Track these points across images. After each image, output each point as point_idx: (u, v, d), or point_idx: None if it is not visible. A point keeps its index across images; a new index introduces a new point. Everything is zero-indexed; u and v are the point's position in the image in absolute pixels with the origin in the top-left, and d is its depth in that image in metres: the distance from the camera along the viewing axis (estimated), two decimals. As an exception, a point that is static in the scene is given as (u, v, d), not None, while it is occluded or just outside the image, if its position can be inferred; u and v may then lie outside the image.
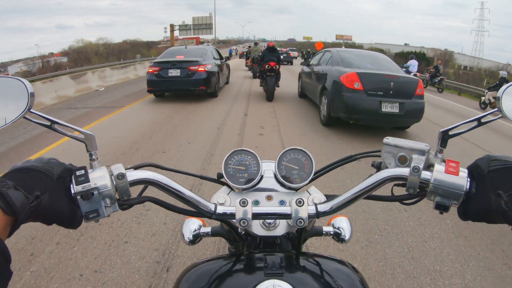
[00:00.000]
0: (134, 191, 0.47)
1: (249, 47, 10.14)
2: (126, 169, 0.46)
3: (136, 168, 0.51)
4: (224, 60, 8.54)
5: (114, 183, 0.44)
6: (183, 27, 35.83)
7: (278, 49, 7.96)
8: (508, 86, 0.46)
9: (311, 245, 1.96)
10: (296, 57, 27.53)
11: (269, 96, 6.67)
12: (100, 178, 0.43)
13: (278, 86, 6.99)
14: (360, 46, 48.87)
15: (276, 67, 6.42)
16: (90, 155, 0.46)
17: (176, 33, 35.25)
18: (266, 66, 6.41)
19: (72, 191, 0.41)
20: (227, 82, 9.31)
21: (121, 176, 0.44)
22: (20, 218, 0.35)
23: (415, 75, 10.64)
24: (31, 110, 0.43)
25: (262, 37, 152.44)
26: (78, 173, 0.42)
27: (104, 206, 0.43)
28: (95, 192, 0.42)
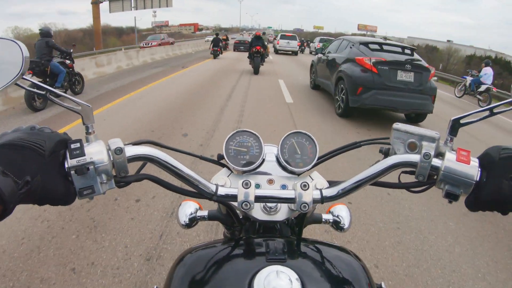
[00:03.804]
0: (132, 169, 0.48)
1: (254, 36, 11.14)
2: (124, 144, 0.47)
3: (134, 144, 0.51)
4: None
5: (112, 158, 0.45)
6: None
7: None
8: None
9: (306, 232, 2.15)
10: (300, 50, 25.03)
11: (256, 70, 10.34)
12: (96, 152, 0.43)
13: (262, 65, 10.68)
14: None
15: (261, 50, 9.94)
16: (87, 128, 0.46)
17: (106, 5, 25.65)
18: (254, 49, 9.99)
19: (66, 165, 0.42)
20: None
21: (119, 151, 0.45)
22: (10, 206, 0.35)
23: (488, 89, 9.31)
24: (25, 77, 0.43)
25: (268, 25, 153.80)
26: (73, 146, 0.42)
27: (99, 182, 0.43)
28: (91, 167, 0.42)
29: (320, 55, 7.57)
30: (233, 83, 8.62)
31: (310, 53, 27.31)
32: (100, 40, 26.67)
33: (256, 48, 9.95)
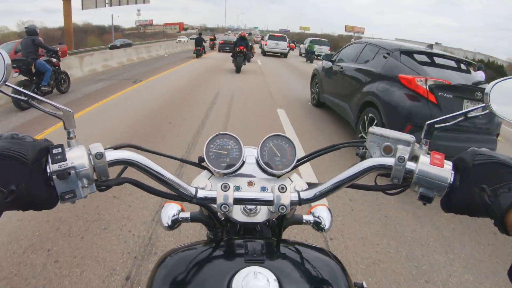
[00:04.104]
0: (113, 173, 0.49)
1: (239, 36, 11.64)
2: (105, 149, 0.48)
3: (115, 148, 0.53)
4: None
5: (92, 163, 0.45)
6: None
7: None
8: (497, 82, 0.51)
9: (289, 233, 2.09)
10: (288, 51, 22.41)
11: (237, 69, 10.97)
12: (77, 157, 0.44)
13: (245, 64, 11.56)
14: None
15: (243, 50, 10.53)
16: (68, 133, 0.47)
17: (78, 3, 24.07)
18: (237, 49, 10.54)
19: (48, 170, 0.43)
20: None
21: (100, 155, 0.46)
22: None
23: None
24: (7, 83, 0.45)
25: (254, 25, 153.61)
26: (54, 151, 0.43)
27: (81, 186, 0.44)
28: (72, 172, 0.43)
29: (326, 62, 5.76)
30: (207, 106, 5.77)
31: (300, 55, 25.72)
32: (71, 40, 23.44)
33: (239, 48, 10.49)
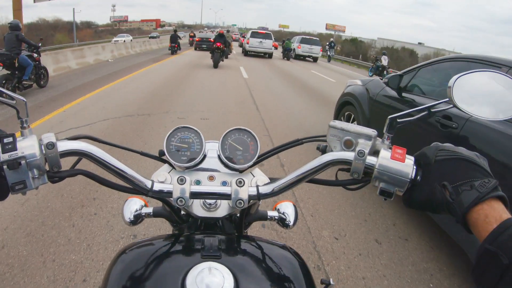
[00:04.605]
0: (68, 164, 0.49)
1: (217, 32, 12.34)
2: (60, 139, 0.48)
3: (71, 139, 0.52)
4: None
5: (44, 153, 0.45)
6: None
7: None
8: (459, 76, 0.50)
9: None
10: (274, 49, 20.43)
11: (215, 65, 11.71)
12: (28, 147, 0.44)
13: (223, 61, 12.50)
14: (358, 41, 43.45)
15: (221, 47, 11.42)
16: (21, 122, 0.47)
17: None
18: (214, 46, 11.54)
19: None
20: None
21: (51, 145, 0.45)
22: None
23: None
24: None
25: (233, 23, 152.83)
26: (5, 140, 0.43)
27: (31, 177, 0.44)
28: (22, 162, 0.43)
29: (377, 86, 3.42)
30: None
31: (284, 57, 21.06)
32: None
33: (217, 44, 11.43)
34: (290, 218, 0.76)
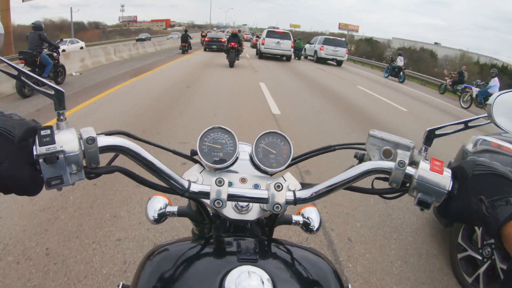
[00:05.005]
0: (103, 160, 0.47)
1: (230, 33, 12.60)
2: (97, 134, 0.46)
3: (107, 134, 0.51)
4: None
5: (83, 148, 0.43)
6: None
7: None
8: (500, 94, 0.52)
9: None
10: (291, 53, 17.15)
11: (231, 64, 12.07)
12: (67, 140, 0.42)
13: (238, 60, 12.70)
14: (374, 41, 42.33)
15: (235, 46, 11.67)
16: (58, 114, 0.45)
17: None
18: (229, 46, 11.81)
19: (35, 153, 0.41)
20: None
21: (91, 140, 0.44)
22: None
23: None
24: (0, 57, 0.44)
25: (243, 23, 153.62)
26: (43, 132, 0.41)
27: (69, 172, 0.42)
28: (61, 156, 0.41)
29: None
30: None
31: (306, 57, 21.01)
32: (10, 41, 15.82)
33: (231, 44, 11.71)
34: (314, 223, 0.77)
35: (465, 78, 12.81)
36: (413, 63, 26.60)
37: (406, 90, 12.83)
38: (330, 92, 9.05)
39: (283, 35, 16.72)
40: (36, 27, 6.43)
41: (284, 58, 17.36)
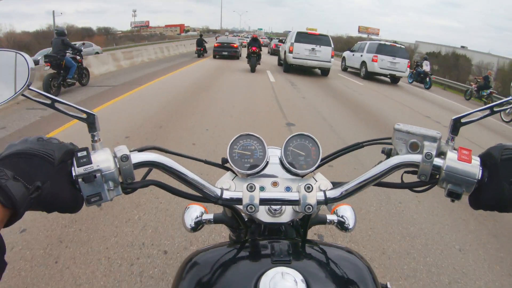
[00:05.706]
0: (137, 175, 0.49)
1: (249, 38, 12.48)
2: (130, 151, 0.49)
3: (140, 150, 0.54)
4: None
5: (118, 166, 0.47)
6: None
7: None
8: None
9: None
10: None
11: (252, 69, 11.90)
12: (103, 160, 0.45)
13: (259, 64, 12.39)
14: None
15: (256, 50, 11.56)
16: (93, 136, 0.48)
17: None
18: (250, 50, 11.69)
19: (73, 173, 0.44)
20: None
21: (125, 158, 0.47)
22: (20, 210, 0.37)
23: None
24: (31, 88, 0.46)
25: (259, 27, 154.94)
26: (79, 154, 0.45)
27: (107, 189, 0.45)
28: (98, 175, 0.44)
29: None
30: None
31: (345, 69, 15.53)
32: None
33: (252, 49, 11.58)
34: (350, 221, 0.77)
35: (490, 83, 12.36)
36: (444, 70, 24.83)
37: (431, 96, 11.76)
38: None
39: (320, 39, 11.75)
40: (59, 33, 7.01)
41: (321, 72, 12.53)
